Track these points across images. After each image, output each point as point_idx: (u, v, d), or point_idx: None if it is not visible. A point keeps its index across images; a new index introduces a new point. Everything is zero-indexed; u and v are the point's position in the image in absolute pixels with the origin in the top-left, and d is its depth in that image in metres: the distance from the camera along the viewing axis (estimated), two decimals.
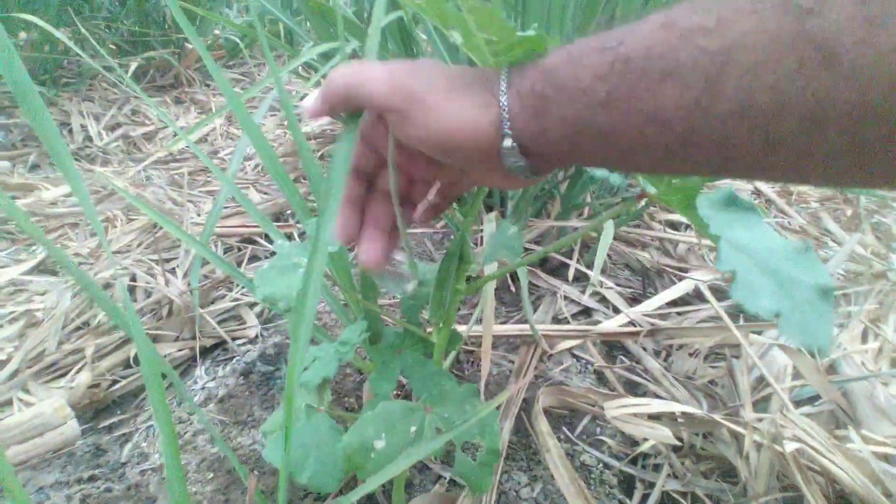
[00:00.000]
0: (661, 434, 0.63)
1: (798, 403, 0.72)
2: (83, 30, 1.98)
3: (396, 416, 0.51)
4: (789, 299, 0.35)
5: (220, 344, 0.91)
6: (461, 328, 0.87)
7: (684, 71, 0.26)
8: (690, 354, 0.84)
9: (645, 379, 0.82)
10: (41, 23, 1.11)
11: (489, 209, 1.13)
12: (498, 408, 0.75)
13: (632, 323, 0.89)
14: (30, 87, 0.39)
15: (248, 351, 0.88)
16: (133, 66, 1.99)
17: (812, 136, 0.24)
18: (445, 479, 0.68)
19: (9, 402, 0.76)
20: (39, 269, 1.08)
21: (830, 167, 0.25)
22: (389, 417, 0.51)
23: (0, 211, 1.26)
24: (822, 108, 0.23)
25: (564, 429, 0.74)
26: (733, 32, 0.25)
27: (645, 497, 0.66)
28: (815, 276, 0.37)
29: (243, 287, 1.01)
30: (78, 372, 0.80)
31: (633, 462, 0.70)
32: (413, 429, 0.51)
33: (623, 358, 0.86)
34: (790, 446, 0.58)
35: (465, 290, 0.55)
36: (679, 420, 0.70)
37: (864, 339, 0.87)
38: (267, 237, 1.20)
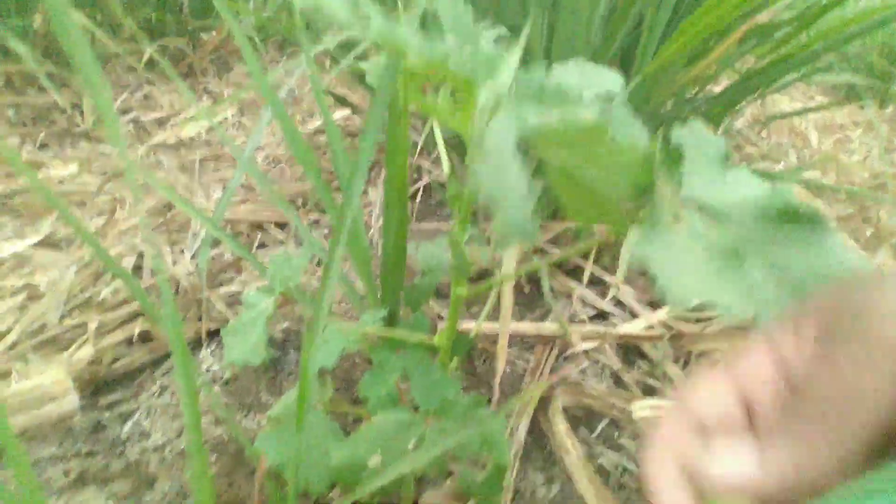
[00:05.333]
0: None
1: None
2: (100, 13, 1.97)
3: (392, 430, 0.48)
4: None
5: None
6: (469, 324, 0.85)
7: None
8: (711, 363, 0.82)
9: (664, 384, 0.79)
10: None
11: None
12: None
13: (651, 327, 0.87)
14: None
15: None
16: (148, 52, 1.97)
17: None
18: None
19: (7, 373, 0.73)
20: (44, 244, 1.06)
21: None
22: (385, 432, 0.47)
23: (5, 186, 1.24)
24: None
25: (582, 430, 0.71)
26: None
27: None
28: None
29: (252, 270, 0.99)
30: (79, 347, 0.77)
31: None
32: (411, 444, 0.48)
33: (641, 363, 0.84)
34: None
35: (468, 294, 0.51)
36: None
37: None
38: (276, 224, 1.18)
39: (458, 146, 1.14)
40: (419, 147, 1.10)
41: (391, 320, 0.62)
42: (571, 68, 0.45)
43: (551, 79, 0.43)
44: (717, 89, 1.26)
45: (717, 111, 1.22)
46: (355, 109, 1.44)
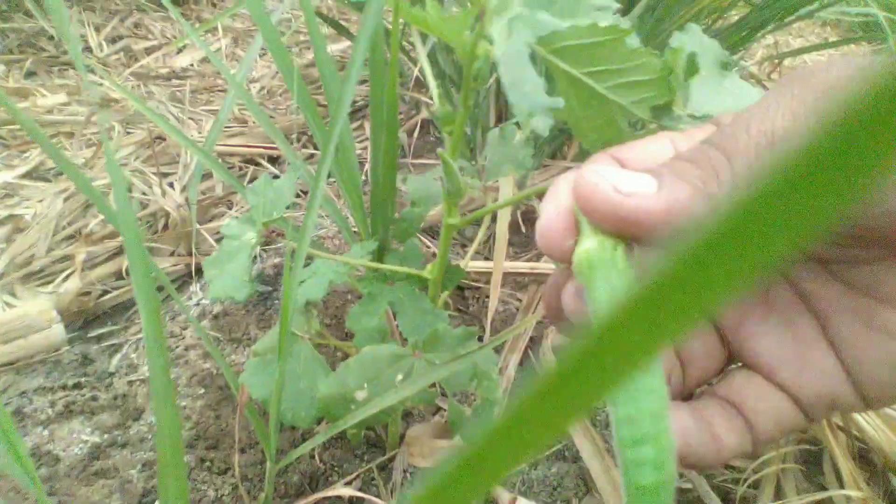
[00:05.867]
0: None
1: None
2: None
3: (381, 363, 0.46)
4: None
5: None
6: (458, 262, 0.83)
7: None
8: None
9: None
10: None
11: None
12: (504, 343, 0.72)
13: None
14: None
15: None
16: None
17: None
18: (446, 410, 0.66)
19: None
20: (32, 175, 1.04)
21: None
22: (373, 365, 0.46)
23: None
24: None
25: None
26: None
27: None
28: None
29: (243, 205, 0.97)
30: (66, 279, 0.76)
31: None
32: (399, 377, 0.47)
33: None
34: None
35: (460, 223, 0.49)
36: None
37: None
38: (270, 159, 1.15)
39: (446, 75, 1.10)
40: (413, 79, 1.05)
41: (381, 254, 0.60)
42: None
43: None
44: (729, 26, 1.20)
45: (729, 45, 1.17)
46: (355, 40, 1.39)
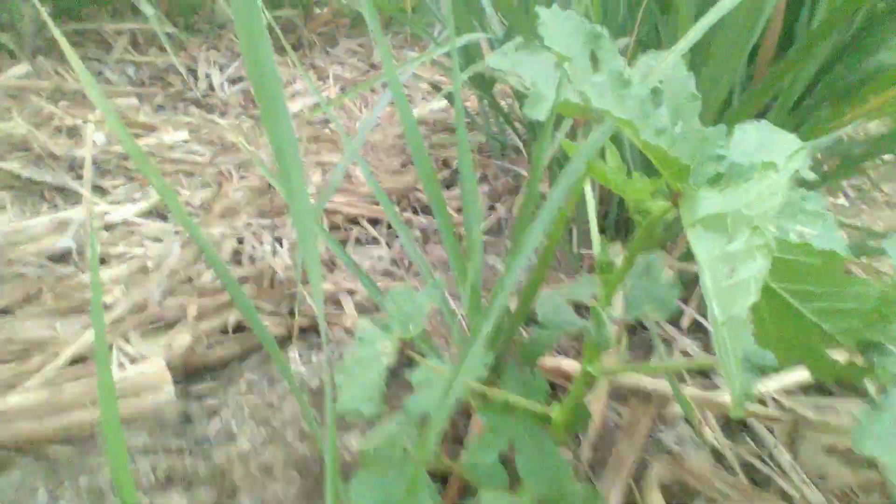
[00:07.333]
0: None
1: None
2: None
3: None
4: None
5: (315, 327, 0.88)
6: (552, 360, 0.80)
7: None
8: (826, 450, 0.74)
9: (768, 465, 0.73)
10: None
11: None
12: (604, 468, 0.69)
13: (761, 401, 0.80)
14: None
15: (343, 342, 0.85)
16: (264, 21, 2.00)
17: None
18: None
19: (108, 349, 0.75)
20: (151, 212, 1.09)
21: None
22: None
23: (121, 147, 1.28)
24: None
25: None
26: None
27: None
28: None
29: (345, 270, 0.98)
30: (178, 333, 0.78)
31: None
32: None
33: (745, 436, 0.77)
34: None
35: (600, 374, 0.47)
36: None
37: None
38: (370, 220, 1.17)
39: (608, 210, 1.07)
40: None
41: (496, 368, 0.59)
42: (751, 131, 0.41)
43: (736, 147, 0.39)
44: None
45: (857, 156, 1.09)
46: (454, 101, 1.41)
